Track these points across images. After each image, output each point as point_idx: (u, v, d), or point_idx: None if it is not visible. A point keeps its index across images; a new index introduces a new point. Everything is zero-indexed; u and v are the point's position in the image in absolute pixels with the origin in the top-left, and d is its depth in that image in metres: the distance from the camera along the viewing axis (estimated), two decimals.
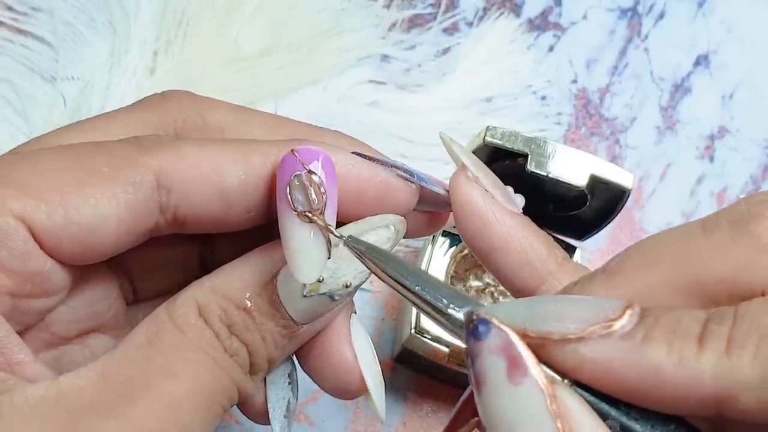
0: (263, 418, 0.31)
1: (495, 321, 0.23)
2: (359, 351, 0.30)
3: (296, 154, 0.27)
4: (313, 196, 0.27)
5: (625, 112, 0.55)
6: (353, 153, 0.30)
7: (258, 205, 0.29)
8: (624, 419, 0.22)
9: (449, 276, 0.46)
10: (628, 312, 0.22)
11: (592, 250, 0.53)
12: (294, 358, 0.32)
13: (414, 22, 0.55)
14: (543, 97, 0.55)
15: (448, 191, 0.30)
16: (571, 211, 0.43)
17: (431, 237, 0.46)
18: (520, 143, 0.39)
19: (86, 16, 0.51)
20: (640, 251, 0.26)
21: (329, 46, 0.53)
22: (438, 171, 0.48)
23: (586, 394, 0.22)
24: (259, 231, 0.30)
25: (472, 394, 0.26)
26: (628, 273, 0.25)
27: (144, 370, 0.26)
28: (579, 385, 0.23)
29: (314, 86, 0.52)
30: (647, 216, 0.54)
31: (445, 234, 0.45)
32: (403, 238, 0.31)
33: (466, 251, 0.47)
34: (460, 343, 0.43)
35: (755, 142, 0.56)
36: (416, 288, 0.25)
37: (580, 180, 0.39)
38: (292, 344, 0.30)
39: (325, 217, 0.27)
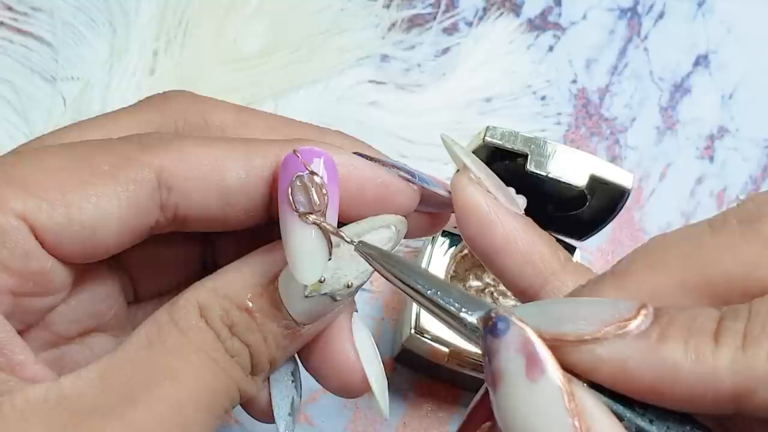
0: (267, 416, 0.31)
1: (514, 319, 0.23)
2: (361, 350, 0.31)
3: (298, 154, 0.27)
4: (315, 196, 0.27)
5: (625, 112, 0.55)
6: (355, 153, 0.30)
7: (258, 205, 0.29)
8: (639, 420, 0.22)
9: (449, 276, 0.46)
10: (643, 312, 0.22)
11: (592, 250, 0.53)
12: (297, 356, 0.32)
13: (414, 22, 0.55)
14: (543, 97, 0.55)
15: (449, 192, 0.30)
16: (571, 211, 0.43)
17: (431, 237, 0.46)
18: (520, 143, 0.39)
19: (86, 16, 0.51)
20: (648, 252, 0.26)
21: (329, 46, 0.53)
22: (438, 171, 0.48)
23: (602, 396, 0.22)
24: (261, 231, 0.30)
25: (483, 398, 0.26)
26: (638, 274, 0.25)
27: (145, 372, 0.26)
28: (592, 386, 0.23)
29: (314, 86, 0.52)
30: (647, 216, 0.54)
31: (445, 234, 0.45)
32: (404, 238, 0.31)
33: (466, 251, 0.47)
34: (460, 344, 0.44)
35: (755, 142, 0.56)
36: (428, 292, 0.25)
37: (580, 180, 0.39)
38: (294, 345, 0.30)
39: (327, 217, 0.27)
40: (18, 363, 0.26)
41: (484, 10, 0.56)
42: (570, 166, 0.39)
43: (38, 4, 0.51)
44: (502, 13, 0.56)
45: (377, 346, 0.31)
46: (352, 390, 0.31)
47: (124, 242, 0.28)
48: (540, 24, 0.56)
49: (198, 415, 0.27)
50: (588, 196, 0.41)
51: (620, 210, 0.42)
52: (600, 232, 0.45)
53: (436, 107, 0.53)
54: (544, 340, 0.22)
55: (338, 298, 0.29)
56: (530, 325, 0.23)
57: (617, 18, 0.57)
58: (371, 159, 0.30)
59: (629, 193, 0.40)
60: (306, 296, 0.28)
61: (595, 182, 0.39)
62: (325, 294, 0.28)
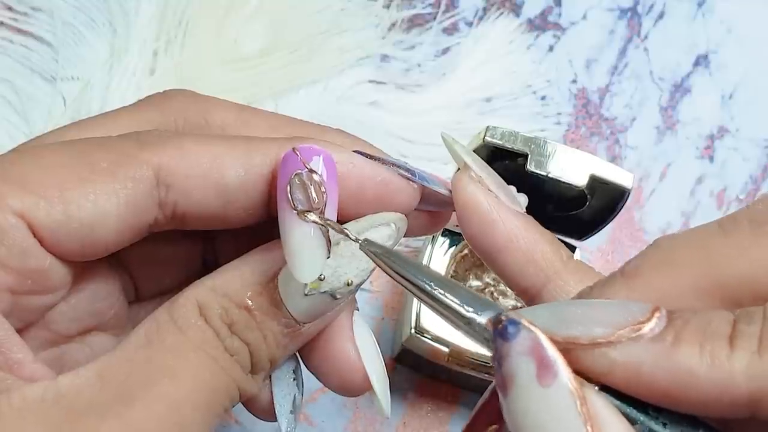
0: (269, 415, 0.31)
1: (524, 322, 0.22)
2: (363, 348, 0.30)
3: (297, 152, 0.27)
4: (313, 194, 0.27)
5: (624, 112, 0.55)
6: (355, 152, 0.30)
7: (258, 203, 0.29)
8: (653, 424, 0.22)
9: (449, 276, 0.46)
10: (656, 315, 0.22)
11: (592, 250, 0.53)
12: (298, 354, 0.32)
13: (414, 22, 0.55)
14: (543, 97, 0.55)
15: (449, 191, 0.30)
16: (571, 211, 0.43)
17: (431, 236, 0.46)
18: (520, 143, 0.39)
19: (86, 16, 0.51)
20: (658, 253, 0.25)
21: (329, 46, 0.53)
22: (437, 171, 0.48)
23: (614, 399, 0.22)
24: (261, 230, 0.30)
25: (488, 401, 0.25)
26: (648, 276, 0.25)
27: (143, 371, 0.26)
28: (604, 389, 0.22)
29: (314, 86, 0.52)
30: (647, 216, 0.54)
31: (445, 233, 0.45)
32: (404, 237, 0.31)
33: (466, 251, 0.46)
34: (460, 344, 0.43)
35: (755, 142, 0.56)
36: (435, 291, 0.25)
37: (579, 180, 0.39)
38: (294, 343, 0.30)
39: (325, 215, 0.27)
40: (16, 362, 0.26)
41: (484, 10, 0.56)
42: (570, 166, 0.39)
43: (38, 4, 0.51)
44: (502, 13, 0.56)
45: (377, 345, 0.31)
46: (354, 388, 0.31)
47: (123, 240, 0.28)
48: (540, 24, 0.56)
49: (196, 414, 0.26)
50: (588, 196, 0.41)
51: (620, 210, 0.42)
52: (600, 232, 0.45)
53: (436, 107, 0.53)
54: (556, 343, 0.22)
55: (338, 297, 0.29)
56: (541, 328, 0.22)
57: (617, 18, 0.57)
58: (371, 157, 0.30)
59: (629, 193, 0.40)
60: (306, 294, 0.28)
61: (595, 182, 0.39)
62: (324, 292, 0.28)
